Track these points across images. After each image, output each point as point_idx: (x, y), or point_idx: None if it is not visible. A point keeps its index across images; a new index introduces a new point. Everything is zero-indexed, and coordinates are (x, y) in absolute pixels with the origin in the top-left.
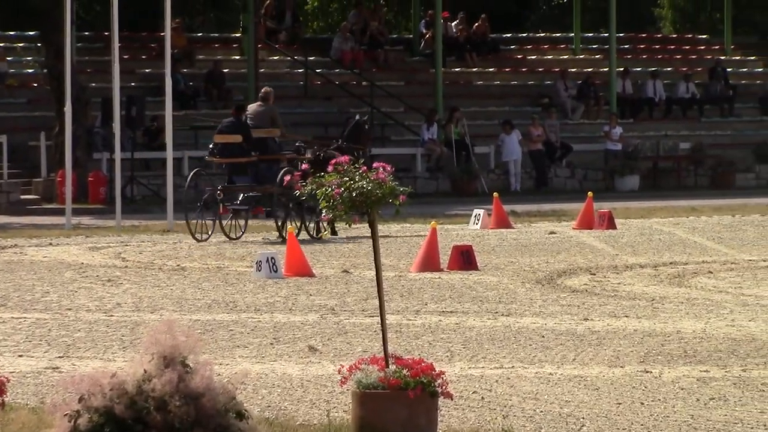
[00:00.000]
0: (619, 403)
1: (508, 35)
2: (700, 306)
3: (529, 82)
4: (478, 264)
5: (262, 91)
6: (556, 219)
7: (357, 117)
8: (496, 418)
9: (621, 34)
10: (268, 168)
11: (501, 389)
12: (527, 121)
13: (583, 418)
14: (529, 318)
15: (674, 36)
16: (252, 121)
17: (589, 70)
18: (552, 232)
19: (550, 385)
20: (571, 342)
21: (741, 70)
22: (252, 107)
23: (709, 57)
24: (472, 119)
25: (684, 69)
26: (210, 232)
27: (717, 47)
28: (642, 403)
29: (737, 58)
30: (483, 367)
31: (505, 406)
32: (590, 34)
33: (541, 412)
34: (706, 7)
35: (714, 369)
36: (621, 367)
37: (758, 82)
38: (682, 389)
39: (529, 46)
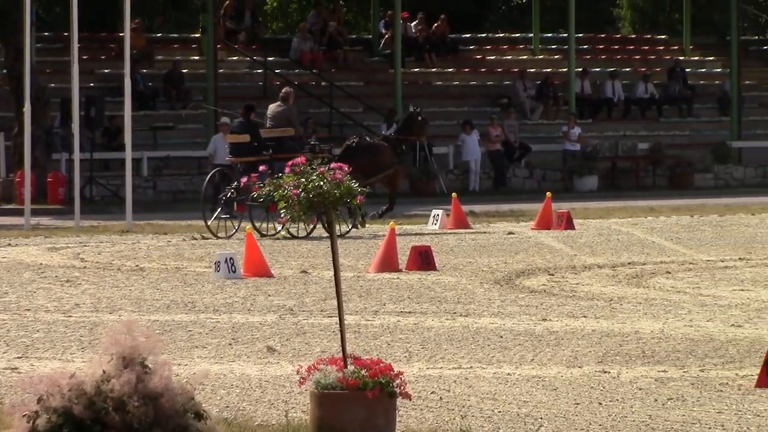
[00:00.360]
0: (578, 404)
1: (468, 35)
2: (658, 306)
3: (488, 83)
4: (436, 264)
5: (283, 91)
6: (515, 219)
7: (411, 109)
8: (454, 419)
9: (580, 35)
10: (283, 167)
11: (459, 389)
12: (486, 122)
13: (541, 418)
14: (488, 318)
15: (633, 36)
16: (271, 121)
17: (548, 70)
18: (510, 233)
19: (509, 386)
20: (529, 342)
21: (700, 70)
22: (271, 107)
23: (668, 57)
24: (431, 119)
25: (643, 69)
26: (236, 229)
27: (676, 47)
28: (600, 404)
29: (696, 58)
30: (441, 368)
31: (463, 407)
32: (549, 35)
33: (500, 412)
34: (665, 8)
35: (672, 369)
36: (579, 367)
37: (717, 82)
38: (640, 389)
39: (488, 47)
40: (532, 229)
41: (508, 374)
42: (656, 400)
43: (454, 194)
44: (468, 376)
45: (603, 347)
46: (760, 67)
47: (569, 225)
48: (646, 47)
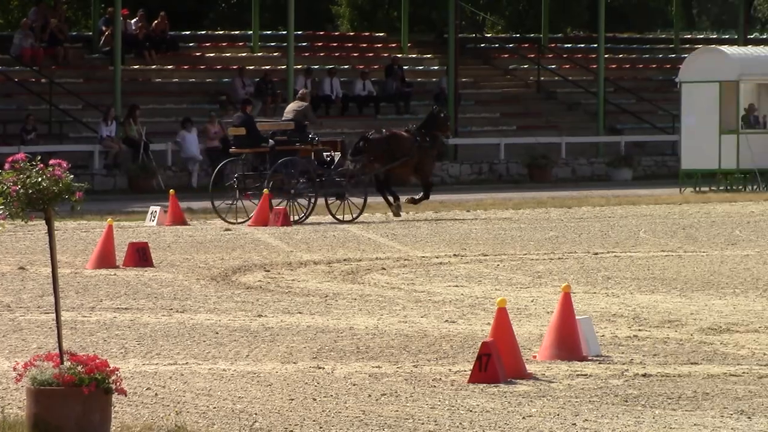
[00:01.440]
0: (292, 399)
1: (187, 33)
2: (373, 302)
3: (208, 80)
4: (153, 261)
5: (300, 92)
6: (232, 216)
7: (433, 108)
8: (169, 414)
9: (299, 32)
10: (279, 158)
11: (175, 385)
12: (205, 119)
13: (256, 414)
14: (204, 314)
15: (352, 34)
16: (287, 115)
17: (268, 67)
18: (227, 229)
19: (224, 381)
20: (244, 338)
21: (417, 67)
22: (290, 105)
23: (385, 55)
24: (150, 117)
25: (361, 67)
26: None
27: (394, 45)
28: (314, 399)
29: (414, 56)
30: (157, 364)
31: (178, 402)
32: (269, 32)
33: (215, 408)
34: (383, 5)
35: (386, 365)
36: (294, 363)
37: (434, 79)
38: (354, 385)
39: (207, 44)
40: (248, 225)
41: (224, 370)
42: (370, 395)
43: (171, 191)
44: (183, 372)
45: (318, 343)
46: (476, 64)
47: (286, 221)
48: (365, 45)
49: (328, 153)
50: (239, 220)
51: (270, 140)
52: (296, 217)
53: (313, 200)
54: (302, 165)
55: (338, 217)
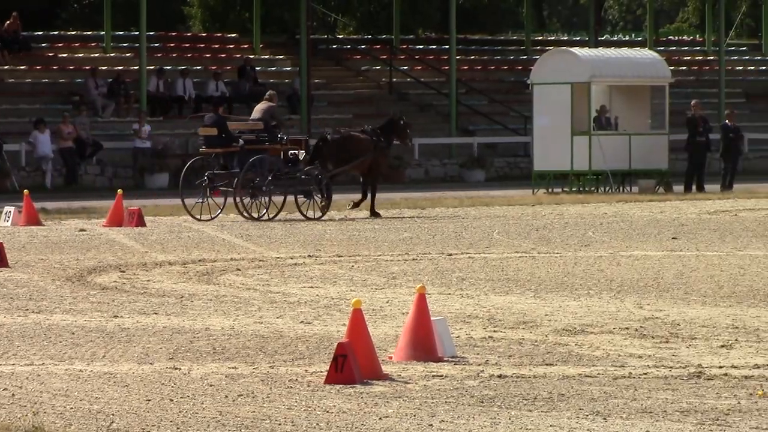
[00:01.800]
0: (149, 400)
1: (40, 33)
2: (228, 303)
3: (61, 80)
4: (8, 261)
5: (268, 94)
6: (87, 216)
7: (393, 113)
8: (26, 415)
9: (151, 33)
10: (248, 156)
11: (31, 386)
12: (58, 119)
13: (113, 414)
14: (60, 315)
15: (204, 35)
16: (256, 114)
17: (120, 68)
18: (82, 230)
19: (81, 382)
20: (101, 339)
21: (270, 68)
22: (259, 105)
23: (238, 56)
24: (3, 117)
25: (213, 67)
26: (219, 211)
27: (246, 46)
28: (171, 400)
29: (266, 57)
30: (14, 364)
31: (35, 403)
32: (121, 32)
33: (72, 408)
34: (235, 6)
35: (242, 366)
36: (150, 363)
37: (287, 80)
38: (210, 386)
39: (60, 44)
40: (103, 226)
41: (80, 371)
42: (227, 396)
43: (26, 191)
44: (40, 372)
45: (174, 344)
46: (329, 65)
47: (140, 222)
48: (217, 45)
49: (294, 152)
50: (204, 217)
51: (240, 140)
52: (255, 215)
53: (283, 198)
54: (272, 164)
55: (307, 215)
